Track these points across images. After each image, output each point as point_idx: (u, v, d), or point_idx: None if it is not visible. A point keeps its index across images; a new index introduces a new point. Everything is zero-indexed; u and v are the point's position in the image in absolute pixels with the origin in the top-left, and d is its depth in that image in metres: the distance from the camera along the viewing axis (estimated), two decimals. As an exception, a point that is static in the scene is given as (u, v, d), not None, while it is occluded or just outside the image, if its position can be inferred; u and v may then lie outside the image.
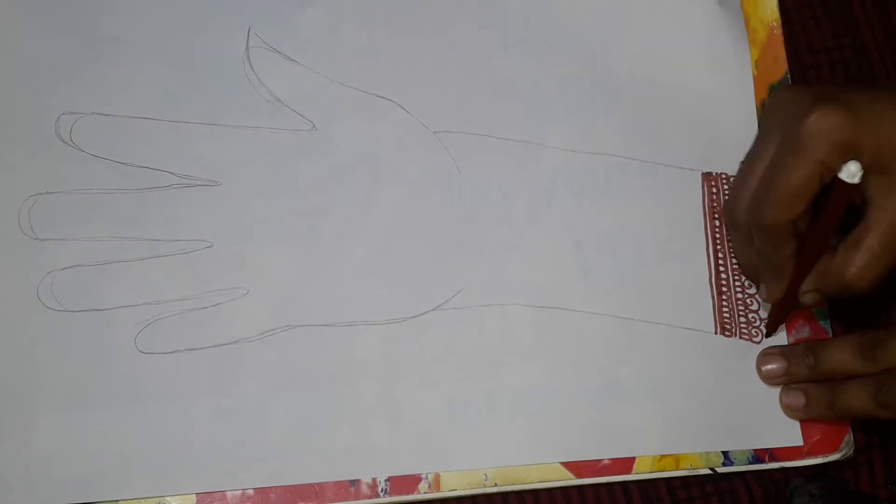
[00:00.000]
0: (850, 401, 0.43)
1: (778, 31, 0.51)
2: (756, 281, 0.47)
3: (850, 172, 0.39)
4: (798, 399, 0.45)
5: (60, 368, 0.45)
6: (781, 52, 0.51)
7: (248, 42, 0.49)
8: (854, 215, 0.42)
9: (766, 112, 0.43)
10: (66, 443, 0.44)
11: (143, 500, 0.44)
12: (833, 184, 0.40)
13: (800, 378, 0.45)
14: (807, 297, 0.43)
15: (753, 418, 0.46)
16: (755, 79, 0.51)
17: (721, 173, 0.49)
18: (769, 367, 0.46)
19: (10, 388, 0.45)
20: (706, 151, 0.49)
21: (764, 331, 0.48)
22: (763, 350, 0.47)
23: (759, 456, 0.46)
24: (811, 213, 0.42)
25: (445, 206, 0.48)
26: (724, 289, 0.48)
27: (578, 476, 0.45)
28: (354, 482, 0.45)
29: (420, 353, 0.46)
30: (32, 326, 0.45)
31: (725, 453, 0.46)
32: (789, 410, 0.46)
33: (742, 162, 0.44)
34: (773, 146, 0.41)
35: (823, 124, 0.39)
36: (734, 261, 0.48)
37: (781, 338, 0.48)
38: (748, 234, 0.44)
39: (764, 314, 0.48)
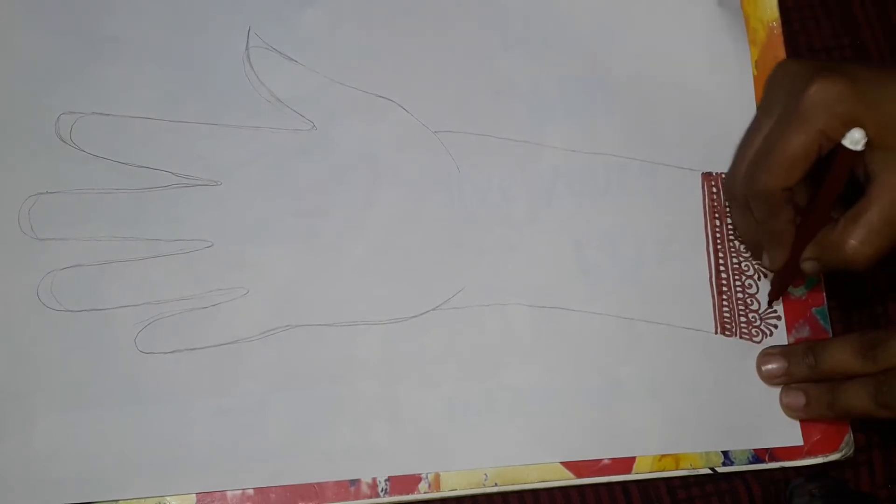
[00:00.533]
0: (850, 401, 0.43)
1: (778, 31, 0.51)
2: (756, 253, 0.47)
3: (854, 139, 0.39)
4: (798, 399, 0.45)
5: (60, 368, 0.45)
6: (781, 52, 0.51)
7: (248, 42, 0.49)
8: (857, 193, 0.41)
9: (768, 85, 0.43)
10: (66, 442, 0.44)
11: (143, 500, 0.44)
12: (835, 153, 0.40)
13: (800, 378, 0.46)
14: (807, 265, 0.43)
15: (753, 418, 0.46)
16: (755, 79, 0.51)
17: (721, 173, 0.49)
18: (769, 366, 0.46)
19: (10, 387, 0.45)
20: (706, 151, 0.49)
21: (764, 331, 0.48)
22: (763, 350, 0.47)
23: (759, 456, 0.46)
24: (810, 185, 0.42)
25: (445, 206, 0.48)
26: (725, 288, 0.48)
27: (578, 476, 0.45)
28: (354, 482, 0.45)
29: (420, 353, 0.46)
30: (32, 326, 0.45)
31: (725, 453, 0.46)
32: (789, 410, 0.46)
33: (743, 137, 0.44)
34: (774, 117, 0.41)
35: (825, 94, 0.39)
36: (735, 261, 0.48)
37: (781, 338, 0.48)
38: (746, 204, 0.44)
39: (764, 307, 0.48)
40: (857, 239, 0.40)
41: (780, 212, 0.42)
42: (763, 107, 0.43)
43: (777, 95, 0.42)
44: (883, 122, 0.39)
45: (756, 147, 0.42)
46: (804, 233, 0.43)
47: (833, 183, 0.41)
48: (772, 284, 0.47)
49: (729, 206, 0.47)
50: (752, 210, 0.43)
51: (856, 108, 0.39)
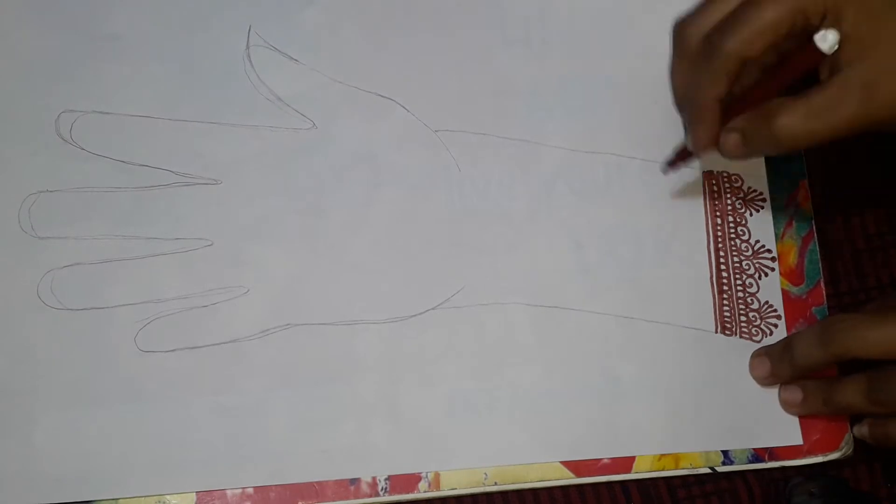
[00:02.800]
0: (845, 397, 0.43)
1: (778, 31, 0.51)
2: (682, 113, 0.44)
3: (826, 40, 0.38)
4: (795, 394, 0.45)
5: (60, 367, 0.45)
6: (781, 52, 0.51)
7: (248, 41, 0.49)
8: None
9: None
10: (66, 441, 0.44)
11: (143, 499, 0.44)
12: (801, 45, 0.38)
13: (784, 377, 0.45)
14: (729, 137, 0.41)
15: (753, 417, 0.46)
16: (755, 78, 0.51)
17: (722, 172, 0.49)
18: (755, 369, 0.46)
19: (10, 386, 0.45)
20: (706, 150, 0.49)
21: (764, 330, 0.48)
22: (753, 352, 0.47)
23: (758, 455, 0.46)
24: (762, 68, 0.40)
25: (445, 204, 0.48)
26: (725, 288, 0.48)
27: (578, 475, 0.45)
28: (354, 481, 0.45)
29: (420, 352, 0.46)
30: (32, 325, 0.45)
31: (725, 452, 0.46)
32: (787, 406, 0.46)
33: None
34: None
35: None
36: (735, 260, 0.48)
37: (781, 337, 0.47)
38: (691, 57, 0.41)
39: (759, 314, 0.48)
40: (793, 114, 0.38)
41: (718, 82, 0.40)
42: None
43: None
44: (863, 15, 0.38)
45: (730, 6, 0.39)
46: (734, 114, 0.41)
47: (786, 72, 0.39)
48: (677, 148, 0.45)
49: (674, 57, 0.43)
50: (696, 69, 0.41)
51: None
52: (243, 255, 0.47)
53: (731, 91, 0.40)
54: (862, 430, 0.44)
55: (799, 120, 0.39)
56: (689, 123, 0.42)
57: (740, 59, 0.39)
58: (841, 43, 0.38)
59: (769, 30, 0.38)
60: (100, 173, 0.47)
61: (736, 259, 0.48)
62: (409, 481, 0.45)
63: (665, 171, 0.47)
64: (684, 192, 0.49)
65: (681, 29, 0.42)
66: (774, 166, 0.49)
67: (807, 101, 0.39)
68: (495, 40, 0.50)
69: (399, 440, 0.45)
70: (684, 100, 0.43)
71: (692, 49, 0.41)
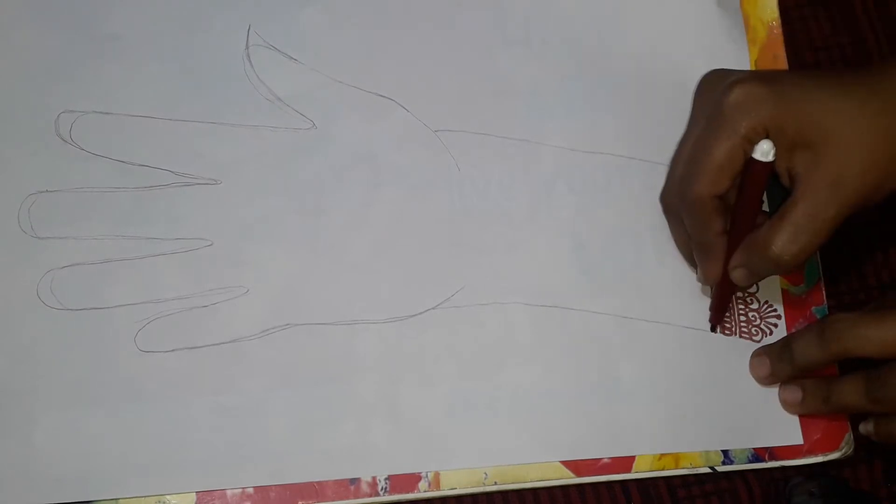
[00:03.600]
0: (844, 396, 0.43)
1: (777, 31, 0.51)
2: (694, 262, 0.47)
3: (763, 151, 0.39)
4: (795, 394, 0.45)
5: (60, 367, 0.45)
6: (781, 51, 0.51)
7: (248, 40, 0.49)
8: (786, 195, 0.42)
9: (695, 96, 0.44)
10: (66, 441, 0.44)
11: (143, 499, 0.44)
12: (749, 164, 0.40)
13: (784, 376, 0.45)
14: (735, 273, 0.43)
15: (753, 417, 0.46)
16: (755, 78, 0.50)
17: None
18: (755, 369, 0.46)
19: (10, 386, 0.45)
20: (706, 150, 0.49)
21: (764, 330, 0.48)
22: (753, 351, 0.47)
23: (759, 455, 0.46)
24: (738, 192, 0.42)
25: (445, 204, 0.48)
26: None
27: (578, 475, 0.45)
28: (354, 481, 0.45)
29: (420, 352, 0.46)
30: (32, 325, 0.45)
31: (725, 452, 0.46)
32: (787, 405, 0.46)
33: (676, 149, 0.44)
34: (699, 127, 0.42)
35: (745, 99, 0.39)
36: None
37: (781, 335, 0.47)
38: (680, 216, 0.44)
39: (760, 315, 0.48)
40: (782, 238, 0.40)
41: (710, 222, 0.42)
42: (691, 117, 0.43)
43: (702, 105, 0.42)
44: (804, 122, 0.39)
45: (685, 157, 0.42)
46: (731, 242, 0.43)
47: (750, 193, 0.41)
48: (711, 303, 0.47)
49: (667, 221, 0.47)
50: (685, 222, 0.43)
51: (776, 112, 0.39)
52: (243, 255, 0.47)
53: (726, 223, 0.43)
54: (867, 427, 0.44)
55: (789, 241, 0.40)
56: (700, 264, 0.45)
57: (713, 199, 0.41)
58: (791, 151, 0.40)
59: (725, 166, 0.40)
60: (99, 173, 0.47)
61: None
62: (409, 481, 0.45)
63: (715, 330, 0.48)
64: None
65: (663, 198, 0.46)
66: (774, 166, 0.49)
67: (790, 222, 0.40)
68: (495, 40, 0.50)
69: (399, 440, 0.45)
70: (684, 254, 0.47)
71: (674, 210, 0.44)
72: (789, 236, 0.40)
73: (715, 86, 0.41)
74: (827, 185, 0.40)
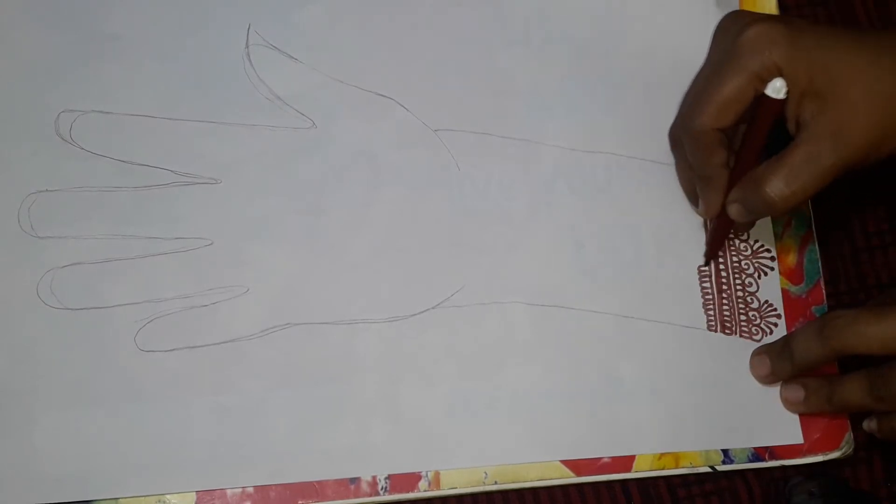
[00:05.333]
0: (847, 394, 0.43)
1: (777, 30, 0.51)
2: (695, 201, 0.47)
3: (775, 88, 0.40)
4: (797, 393, 0.45)
5: (60, 366, 0.45)
6: (781, 51, 0.51)
7: (248, 40, 0.49)
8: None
9: (714, 35, 0.44)
10: (66, 440, 0.44)
11: (142, 498, 0.44)
12: (760, 101, 0.40)
13: (784, 374, 0.45)
14: (732, 208, 0.43)
15: (753, 416, 0.46)
16: (755, 77, 0.50)
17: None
18: (756, 368, 0.46)
19: (10, 385, 0.45)
20: (706, 150, 0.49)
21: (764, 329, 0.48)
22: (753, 350, 0.47)
23: (759, 454, 0.46)
24: (746, 129, 0.42)
25: (445, 204, 0.48)
26: (725, 287, 0.48)
27: (578, 474, 0.45)
28: (354, 480, 0.45)
29: (420, 352, 0.46)
30: (32, 324, 0.45)
31: (725, 451, 0.46)
32: (788, 404, 0.46)
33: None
34: (714, 61, 0.42)
35: (760, 37, 0.40)
36: (735, 259, 0.48)
37: (781, 334, 0.47)
38: (685, 150, 0.44)
39: (758, 315, 0.48)
40: (777, 178, 0.41)
41: (711, 154, 0.43)
42: (708, 56, 0.44)
43: (718, 43, 0.43)
44: (816, 69, 0.40)
45: (695, 90, 0.43)
46: (733, 179, 0.43)
47: (757, 130, 0.41)
48: (708, 237, 0.48)
49: (673, 155, 0.47)
50: (688, 153, 0.44)
51: (790, 54, 0.40)
52: (243, 254, 0.47)
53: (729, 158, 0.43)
54: (871, 424, 0.45)
55: (783, 184, 0.41)
56: (701, 195, 0.45)
57: (716, 131, 0.42)
58: (800, 99, 0.40)
59: (733, 101, 0.41)
60: (100, 173, 0.47)
61: (735, 258, 0.48)
62: (409, 480, 0.45)
63: (707, 264, 0.48)
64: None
65: (671, 132, 0.46)
66: (774, 165, 0.49)
67: (786, 164, 0.41)
68: (495, 40, 0.50)
69: (399, 439, 0.45)
70: (685, 187, 0.47)
71: (680, 143, 0.45)
72: (784, 178, 0.41)
73: (733, 25, 0.42)
74: (829, 134, 0.40)
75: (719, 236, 0.47)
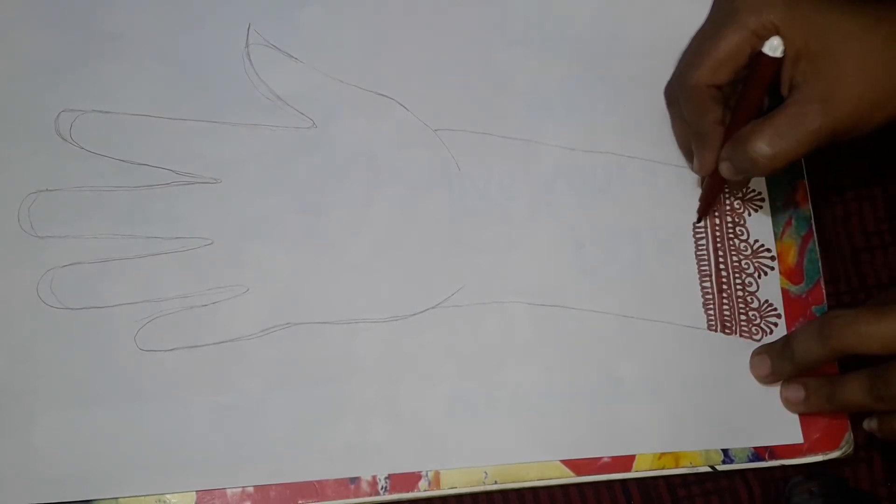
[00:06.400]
0: (847, 394, 0.43)
1: (777, 30, 0.51)
2: (690, 155, 0.47)
3: (772, 46, 0.40)
4: (797, 392, 0.45)
5: (60, 366, 0.45)
6: (781, 51, 0.51)
7: (247, 39, 0.49)
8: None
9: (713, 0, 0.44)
10: (66, 440, 0.44)
11: (142, 498, 0.44)
12: (756, 59, 0.41)
13: (785, 374, 0.45)
14: (722, 166, 0.44)
15: (753, 416, 0.46)
16: (755, 77, 0.51)
17: (721, 171, 0.49)
18: (756, 368, 0.46)
19: (10, 385, 0.45)
20: (706, 150, 0.49)
21: (764, 329, 0.48)
22: (753, 350, 0.47)
23: (759, 454, 0.46)
24: (742, 88, 0.43)
25: (445, 203, 0.48)
26: (725, 287, 0.48)
27: (578, 474, 0.45)
28: (354, 480, 0.45)
29: (420, 351, 0.46)
30: (32, 324, 0.45)
31: (725, 451, 0.46)
32: (789, 404, 0.46)
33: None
34: (713, 21, 0.43)
35: None
36: (735, 259, 0.48)
37: (781, 334, 0.47)
38: (680, 107, 0.45)
39: (758, 313, 0.48)
40: (761, 138, 0.41)
41: (706, 110, 0.43)
42: (708, 16, 0.44)
43: (719, 3, 0.43)
44: (812, 33, 0.40)
45: (691, 47, 0.43)
46: (728, 137, 0.43)
47: (753, 89, 0.42)
48: (702, 194, 0.48)
49: (669, 112, 0.47)
50: (683, 109, 0.44)
51: (787, 14, 0.40)
52: (243, 254, 0.47)
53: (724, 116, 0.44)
54: (871, 424, 0.45)
55: (768, 143, 0.41)
56: (696, 151, 0.45)
57: (711, 87, 0.42)
58: (795, 61, 0.40)
59: (729, 58, 0.41)
60: (99, 172, 0.47)
61: (735, 258, 0.48)
62: (409, 480, 0.45)
63: (699, 221, 0.49)
64: (683, 191, 0.49)
65: (667, 89, 0.46)
66: (774, 165, 0.49)
67: (772, 123, 0.41)
68: (495, 40, 0.50)
69: (399, 439, 0.45)
70: (681, 145, 0.48)
71: (676, 100, 0.45)
72: (768, 138, 0.41)
73: None
74: (818, 98, 0.40)
75: (713, 193, 0.47)
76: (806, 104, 0.40)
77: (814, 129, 0.40)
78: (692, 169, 0.47)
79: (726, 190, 0.49)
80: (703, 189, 0.48)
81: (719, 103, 0.43)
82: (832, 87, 0.40)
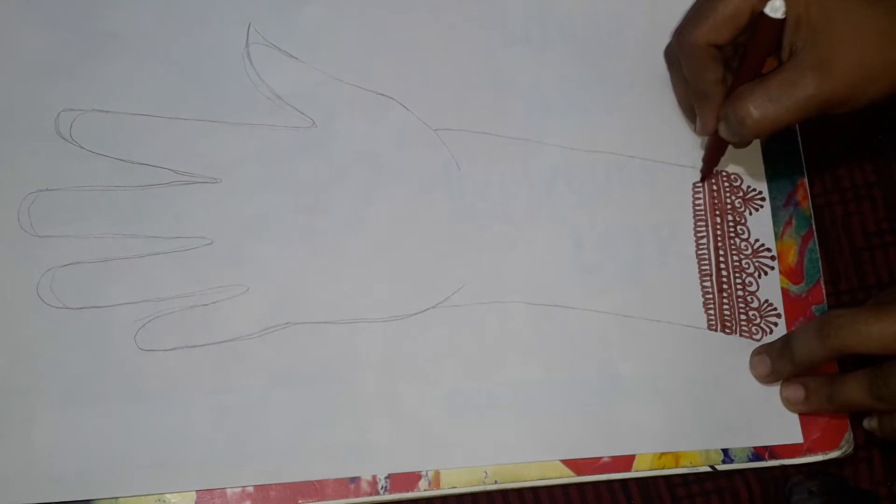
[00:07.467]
0: (848, 394, 0.43)
1: (778, 30, 0.51)
2: (692, 116, 0.47)
3: (774, 7, 0.40)
4: (798, 392, 0.45)
5: (60, 365, 0.45)
6: (781, 50, 0.51)
7: (248, 39, 0.49)
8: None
9: None
10: (66, 440, 0.44)
11: (142, 498, 0.44)
12: (758, 21, 0.40)
13: (785, 373, 0.45)
14: (720, 126, 0.44)
15: (753, 416, 0.46)
16: (755, 77, 0.51)
17: (721, 171, 0.49)
18: (756, 367, 0.46)
19: (10, 385, 0.45)
20: (706, 149, 0.49)
21: (764, 328, 0.48)
22: (753, 350, 0.47)
23: (758, 453, 0.46)
24: (743, 49, 0.42)
25: (445, 203, 0.48)
26: (725, 286, 0.48)
27: (578, 474, 0.45)
28: (354, 479, 0.45)
29: (420, 351, 0.46)
30: (32, 323, 0.45)
31: (725, 451, 0.46)
32: (789, 404, 0.46)
33: None
34: None
35: None
36: (735, 258, 0.48)
37: (781, 334, 0.47)
38: (681, 67, 0.45)
39: (758, 313, 0.48)
40: (751, 100, 0.41)
41: (706, 69, 0.43)
42: None
43: None
44: (812, 2, 0.40)
45: (692, 7, 0.43)
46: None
47: (754, 50, 0.41)
48: (705, 154, 0.48)
49: (670, 72, 0.47)
50: (683, 68, 0.44)
51: None
52: (243, 253, 0.47)
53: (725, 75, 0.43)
54: (871, 423, 0.45)
55: (756, 105, 0.41)
56: (697, 110, 0.45)
57: (711, 47, 0.42)
58: (796, 26, 0.40)
59: (730, 18, 0.41)
60: (99, 172, 0.47)
61: (736, 258, 0.48)
62: (409, 480, 0.45)
63: (703, 181, 0.49)
64: (684, 190, 0.49)
65: (667, 50, 0.46)
66: (773, 165, 0.50)
67: (765, 86, 0.41)
68: (495, 39, 0.50)
69: (399, 439, 0.45)
70: (681, 104, 0.47)
71: (677, 59, 0.45)
72: (758, 101, 0.41)
73: None
74: (813, 66, 0.40)
75: (715, 153, 0.47)
76: (800, 70, 0.40)
77: (805, 96, 0.40)
78: (694, 131, 0.47)
79: (726, 189, 0.49)
80: (705, 149, 0.48)
81: (720, 63, 0.43)
82: (829, 56, 0.40)
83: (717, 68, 0.43)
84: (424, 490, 0.45)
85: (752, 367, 0.47)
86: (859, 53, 0.40)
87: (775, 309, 0.48)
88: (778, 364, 0.45)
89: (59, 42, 0.48)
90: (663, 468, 0.46)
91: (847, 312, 0.41)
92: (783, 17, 0.40)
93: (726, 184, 0.49)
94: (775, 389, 0.46)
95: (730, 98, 0.42)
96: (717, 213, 0.49)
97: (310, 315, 0.46)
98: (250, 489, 0.45)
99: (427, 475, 0.45)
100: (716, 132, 0.45)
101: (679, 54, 0.44)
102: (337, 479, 0.45)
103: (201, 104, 0.48)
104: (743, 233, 0.49)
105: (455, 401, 0.46)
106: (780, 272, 0.48)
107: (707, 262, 0.48)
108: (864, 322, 0.41)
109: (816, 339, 0.42)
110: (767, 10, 0.40)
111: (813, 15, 0.40)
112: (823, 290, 0.48)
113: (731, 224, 0.49)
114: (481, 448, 0.45)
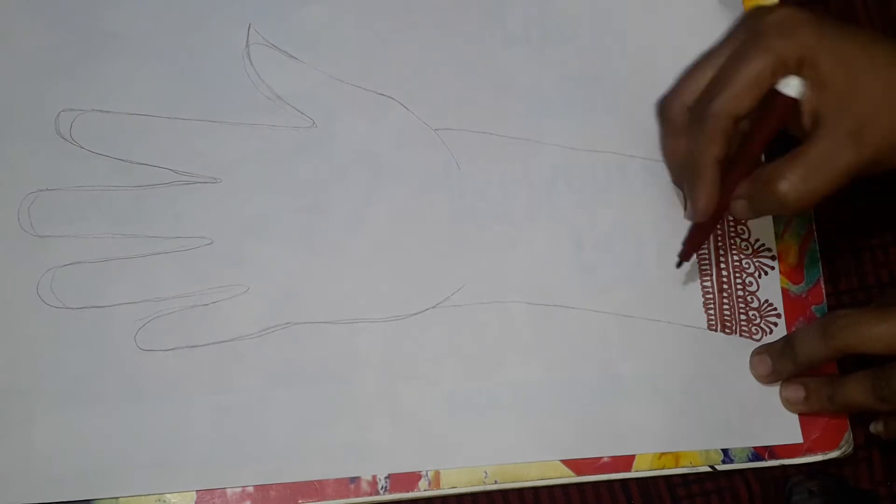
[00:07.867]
0: (849, 394, 0.43)
1: (778, 30, 0.51)
2: (679, 182, 0.45)
3: (790, 85, 0.38)
4: (798, 392, 0.45)
5: (60, 365, 0.45)
6: (781, 51, 0.51)
7: (248, 39, 0.49)
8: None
9: (733, 24, 0.42)
10: (66, 439, 0.44)
11: (143, 498, 0.44)
12: (771, 98, 0.39)
13: (786, 373, 0.45)
14: (737, 204, 0.42)
15: (753, 416, 0.46)
16: (755, 77, 0.50)
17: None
18: (756, 367, 0.46)
19: (10, 385, 0.45)
20: (706, 149, 0.49)
21: (764, 328, 0.48)
22: (753, 350, 0.47)
23: (758, 453, 0.46)
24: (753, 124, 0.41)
25: (445, 203, 0.48)
26: (725, 286, 0.48)
27: (578, 474, 0.45)
28: (354, 479, 0.45)
29: (420, 351, 0.46)
30: (32, 323, 0.45)
31: (725, 451, 0.46)
32: (789, 404, 0.46)
33: (692, 64, 0.42)
34: (734, 44, 0.40)
35: (786, 20, 0.38)
36: (735, 258, 0.48)
37: (781, 335, 0.47)
38: (681, 131, 0.42)
39: (758, 314, 0.48)
40: (792, 176, 0.39)
41: (714, 144, 0.40)
42: (723, 39, 0.42)
43: (739, 29, 0.41)
44: (838, 62, 0.38)
45: (712, 69, 0.41)
46: (732, 177, 0.42)
47: (765, 127, 0.40)
48: (687, 235, 0.46)
49: (662, 131, 0.44)
50: (689, 137, 0.42)
51: (814, 40, 0.38)
52: (243, 253, 0.47)
53: (727, 154, 0.41)
54: (878, 427, 0.45)
55: (799, 181, 0.39)
56: (690, 190, 0.42)
57: (732, 118, 0.40)
58: (820, 91, 0.39)
59: (755, 84, 0.39)
60: (99, 172, 0.47)
61: (736, 258, 0.48)
62: (409, 480, 0.45)
63: (680, 265, 0.47)
64: (684, 190, 0.49)
65: (666, 104, 0.43)
66: (774, 165, 0.49)
67: (803, 161, 0.39)
68: (495, 39, 0.50)
69: (399, 439, 0.45)
70: (682, 170, 0.43)
71: (679, 121, 0.42)
72: (800, 176, 0.39)
73: (756, 13, 0.40)
74: (847, 133, 0.38)
75: (702, 235, 0.45)
76: (835, 139, 0.39)
77: (845, 164, 0.39)
78: (685, 214, 0.44)
79: (732, 229, 0.48)
80: (689, 230, 0.46)
81: (727, 139, 0.40)
82: (861, 121, 0.38)
83: (724, 145, 0.40)
84: (424, 490, 0.45)
85: (753, 367, 0.47)
86: (890, 118, 0.39)
87: (775, 309, 0.48)
88: (779, 364, 0.45)
89: (59, 42, 0.48)
90: (663, 468, 0.46)
91: (851, 313, 0.41)
92: (801, 96, 0.38)
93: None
94: (775, 389, 0.46)
95: (758, 177, 0.40)
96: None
97: (310, 315, 0.46)
98: (250, 489, 0.45)
99: (427, 475, 0.45)
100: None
101: (693, 125, 0.41)
102: (337, 479, 0.45)
103: (201, 104, 0.48)
104: (743, 232, 0.49)
105: (455, 401, 0.46)
106: (781, 272, 0.48)
107: (707, 261, 0.48)
108: (868, 323, 0.40)
109: (820, 339, 0.42)
110: (782, 87, 0.38)
111: (840, 78, 0.38)
112: (823, 290, 0.48)
113: (731, 223, 0.49)
114: (481, 448, 0.45)
